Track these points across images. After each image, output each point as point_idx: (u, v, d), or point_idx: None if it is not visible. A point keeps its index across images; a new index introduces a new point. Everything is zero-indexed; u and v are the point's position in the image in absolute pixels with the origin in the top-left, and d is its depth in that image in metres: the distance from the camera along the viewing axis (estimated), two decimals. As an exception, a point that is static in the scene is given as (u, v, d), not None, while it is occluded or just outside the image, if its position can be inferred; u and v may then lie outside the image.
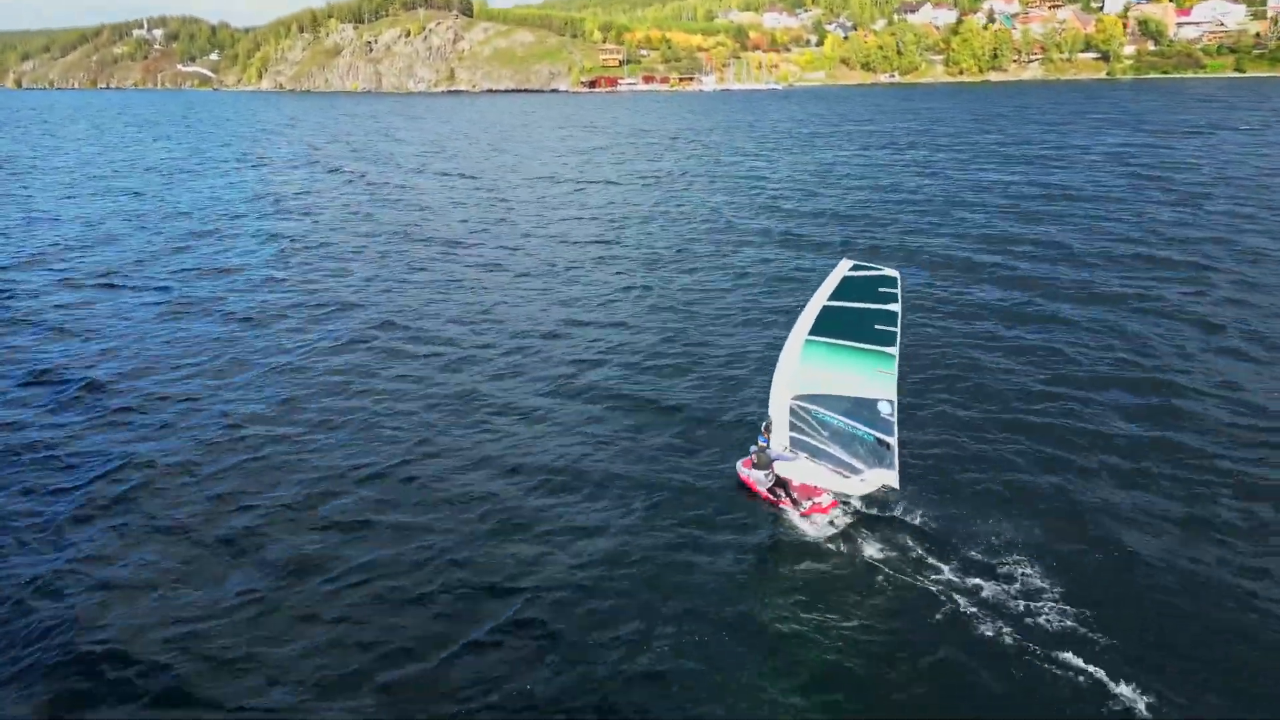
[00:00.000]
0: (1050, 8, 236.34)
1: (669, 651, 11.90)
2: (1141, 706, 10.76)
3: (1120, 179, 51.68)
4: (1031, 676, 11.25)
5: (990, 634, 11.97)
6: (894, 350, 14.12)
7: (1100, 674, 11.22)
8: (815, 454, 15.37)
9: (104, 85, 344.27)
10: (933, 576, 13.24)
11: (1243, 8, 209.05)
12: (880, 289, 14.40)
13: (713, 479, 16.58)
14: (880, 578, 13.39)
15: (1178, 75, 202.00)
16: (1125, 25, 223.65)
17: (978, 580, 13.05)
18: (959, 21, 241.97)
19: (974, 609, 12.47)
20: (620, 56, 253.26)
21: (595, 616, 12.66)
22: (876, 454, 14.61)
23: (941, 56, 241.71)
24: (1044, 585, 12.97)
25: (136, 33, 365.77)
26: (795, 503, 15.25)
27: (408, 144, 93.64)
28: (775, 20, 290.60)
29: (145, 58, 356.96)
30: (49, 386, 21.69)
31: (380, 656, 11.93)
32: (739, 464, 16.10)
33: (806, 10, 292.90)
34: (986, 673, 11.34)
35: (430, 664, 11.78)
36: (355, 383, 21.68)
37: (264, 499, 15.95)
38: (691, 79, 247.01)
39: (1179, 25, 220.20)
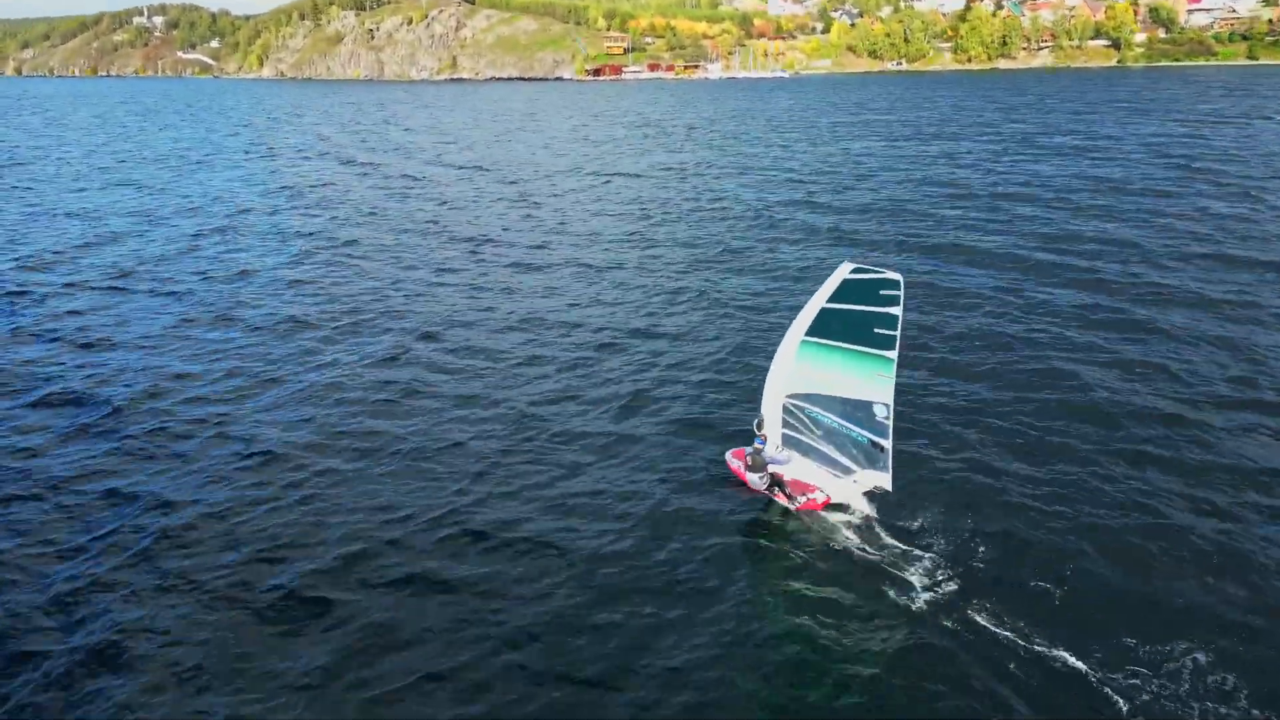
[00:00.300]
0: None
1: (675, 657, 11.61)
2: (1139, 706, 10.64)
3: (1166, 171, 49.86)
4: (1028, 676, 11.19)
5: (987, 632, 11.91)
6: (893, 354, 13.99)
7: (1096, 673, 11.14)
8: (808, 453, 15.33)
9: (104, 73, 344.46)
10: (929, 576, 13.21)
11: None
12: (882, 292, 14.23)
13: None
14: (873, 576, 13.27)
15: (1190, 63, 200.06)
16: (1136, 12, 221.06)
17: (975, 580, 13.01)
18: (967, 8, 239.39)
19: (972, 607, 12.41)
20: (624, 44, 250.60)
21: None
22: (870, 456, 14.57)
23: (949, 44, 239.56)
24: (1043, 588, 12.87)
25: (137, 20, 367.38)
26: (790, 498, 15.12)
27: (418, 133, 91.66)
28: (780, 7, 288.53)
29: (145, 45, 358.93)
30: (55, 409, 19.85)
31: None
32: (728, 455, 16.02)
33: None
34: (983, 672, 11.24)
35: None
36: (399, 403, 19.90)
37: (305, 550, 14.15)
38: (697, 67, 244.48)
39: (1189, 12, 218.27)
